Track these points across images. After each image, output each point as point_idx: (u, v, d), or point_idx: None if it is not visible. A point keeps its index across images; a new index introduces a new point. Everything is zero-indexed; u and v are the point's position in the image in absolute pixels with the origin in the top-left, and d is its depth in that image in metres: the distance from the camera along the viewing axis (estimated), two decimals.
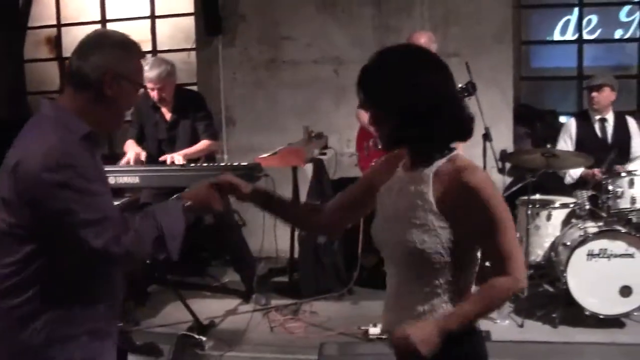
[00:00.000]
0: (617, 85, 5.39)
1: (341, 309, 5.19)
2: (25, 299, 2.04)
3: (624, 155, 5.27)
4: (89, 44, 2.16)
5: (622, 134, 5.39)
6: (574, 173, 5.37)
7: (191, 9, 6.99)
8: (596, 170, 5.07)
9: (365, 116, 4.88)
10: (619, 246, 4.58)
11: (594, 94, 5.34)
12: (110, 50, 2.14)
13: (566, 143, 5.45)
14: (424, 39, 5.16)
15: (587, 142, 5.34)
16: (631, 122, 5.45)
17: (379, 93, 2.00)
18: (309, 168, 5.69)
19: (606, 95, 5.32)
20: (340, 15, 6.55)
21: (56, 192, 1.96)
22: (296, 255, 5.57)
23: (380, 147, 2.14)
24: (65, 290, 2.07)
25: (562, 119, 6.49)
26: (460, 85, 4.98)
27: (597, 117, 5.41)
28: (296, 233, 5.48)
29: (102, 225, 2.00)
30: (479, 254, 2.04)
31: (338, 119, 6.46)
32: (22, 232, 2.03)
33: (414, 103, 1.95)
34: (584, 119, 5.50)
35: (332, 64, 6.55)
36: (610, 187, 4.77)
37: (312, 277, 5.43)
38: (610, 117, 5.41)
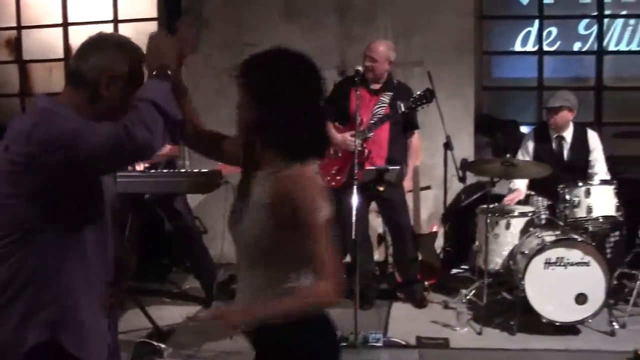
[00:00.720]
0: (576, 103, 5.32)
1: None
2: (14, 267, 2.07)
3: (581, 172, 5.26)
4: (89, 45, 2.18)
5: (580, 151, 5.36)
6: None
7: (154, 14, 6.95)
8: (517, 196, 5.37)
9: (330, 126, 4.90)
10: (575, 254, 4.65)
11: (552, 115, 5.29)
12: (109, 52, 2.15)
13: (523, 157, 5.42)
14: (382, 47, 5.20)
15: (544, 158, 5.30)
16: (592, 135, 5.40)
17: (268, 83, 2.16)
18: None
19: (564, 116, 5.26)
20: (305, 23, 6.54)
21: (54, 140, 1.98)
22: None
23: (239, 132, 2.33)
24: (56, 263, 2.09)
25: (523, 128, 6.56)
26: (418, 93, 5.05)
27: (555, 135, 5.37)
28: None
29: (108, 139, 1.99)
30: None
31: None
32: (26, 201, 2.04)
33: (293, 104, 2.10)
34: (542, 134, 5.46)
35: None
36: (567, 197, 4.84)
37: None
38: (568, 134, 5.35)
